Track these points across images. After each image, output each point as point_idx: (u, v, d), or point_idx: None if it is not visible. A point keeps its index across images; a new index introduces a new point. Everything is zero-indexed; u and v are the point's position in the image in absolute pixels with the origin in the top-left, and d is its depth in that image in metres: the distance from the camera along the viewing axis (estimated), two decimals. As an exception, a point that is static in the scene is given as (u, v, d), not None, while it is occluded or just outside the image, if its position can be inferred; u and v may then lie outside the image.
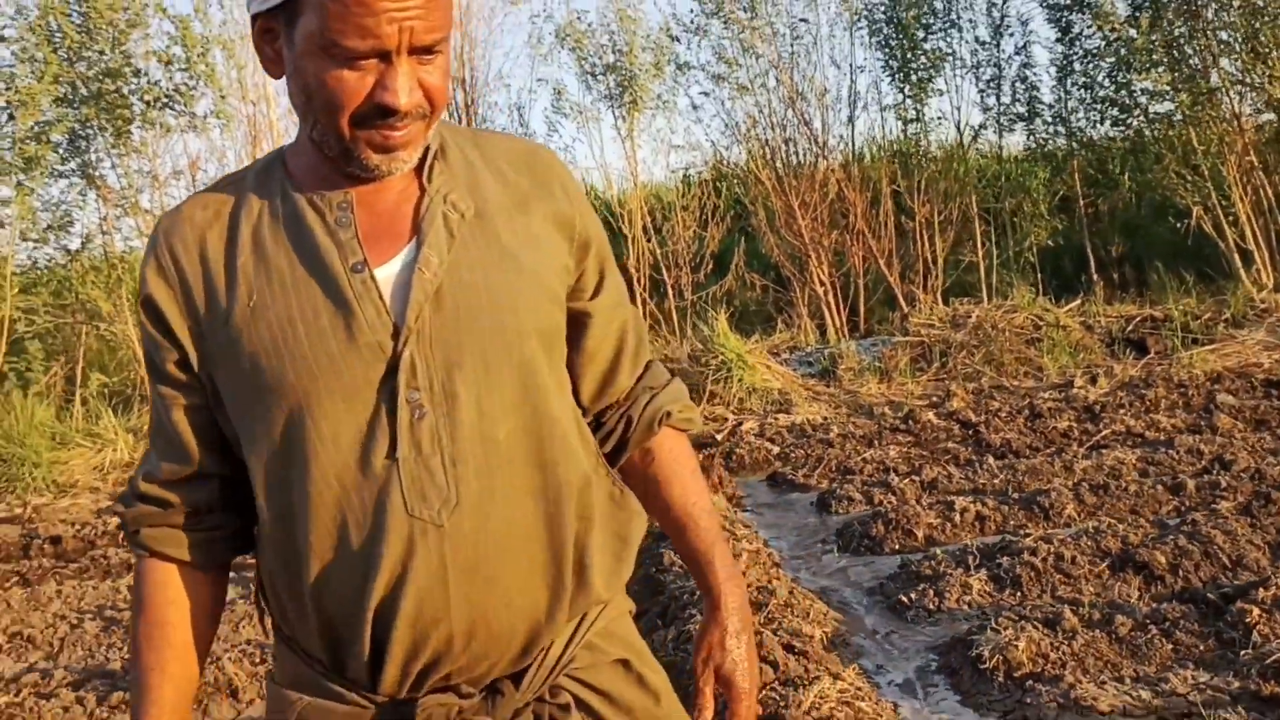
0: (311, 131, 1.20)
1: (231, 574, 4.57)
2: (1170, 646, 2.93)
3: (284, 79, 1.21)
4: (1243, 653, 2.82)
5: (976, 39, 10.92)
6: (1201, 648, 2.92)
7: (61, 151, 9.31)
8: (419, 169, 1.25)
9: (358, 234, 1.21)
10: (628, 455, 1.40)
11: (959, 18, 10.85)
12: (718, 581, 1.37)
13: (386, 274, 1.21)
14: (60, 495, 7.61)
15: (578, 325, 1.34)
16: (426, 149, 1.24)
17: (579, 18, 10.82)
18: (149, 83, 9.33)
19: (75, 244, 9.85)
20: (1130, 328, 8.59)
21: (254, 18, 1.20)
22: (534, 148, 1.37)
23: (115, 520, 6.36)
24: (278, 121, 10.25)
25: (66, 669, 3.82)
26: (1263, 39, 9.48)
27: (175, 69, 9.31)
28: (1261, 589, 3.03)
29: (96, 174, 9.61)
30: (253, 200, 1.26)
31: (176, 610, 1.30)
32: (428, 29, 1.13)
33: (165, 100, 9.29)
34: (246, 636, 4.12)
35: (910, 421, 6.32)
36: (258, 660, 3.65)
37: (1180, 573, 3.49)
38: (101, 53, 9.24)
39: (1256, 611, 2.94)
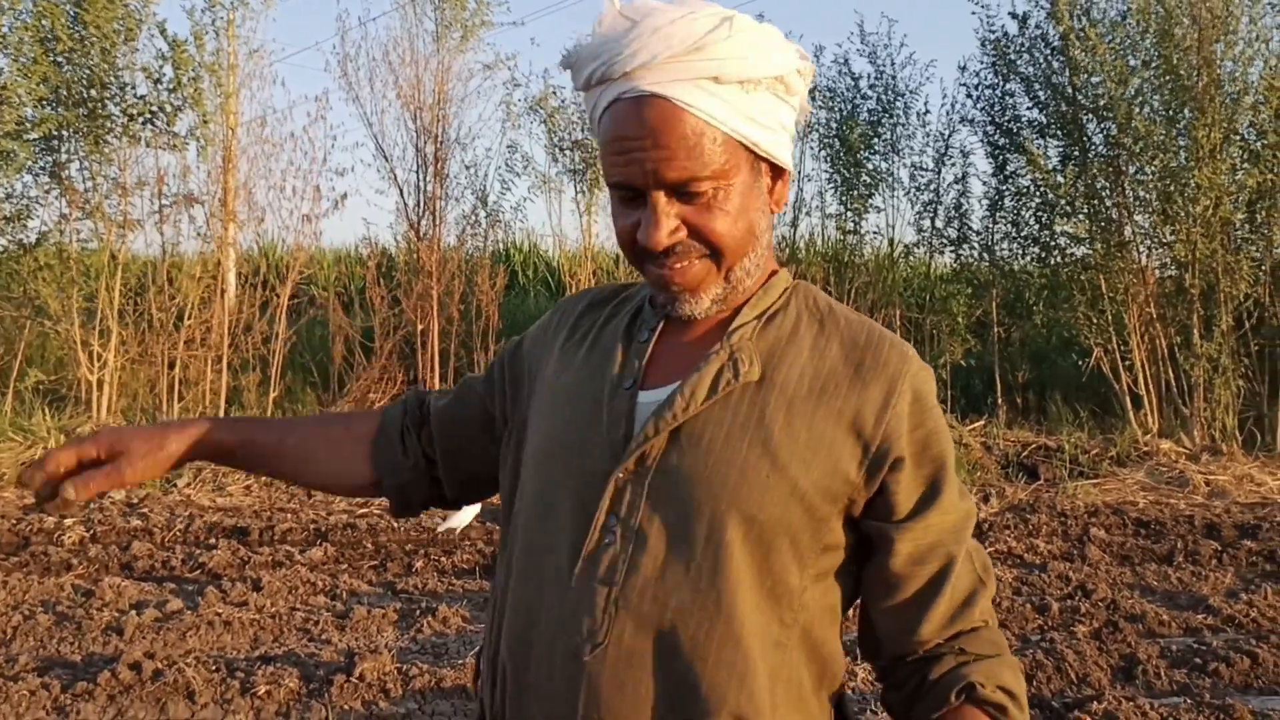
0: None
1: (171, 584, 4.96)
2: (1015, 743, 3.46)
3: None
4: (1072, 754, 3.37)
5: (916, 165, 11.72)
6: (1040, 747, 3.46)
7: (35, 149, 9.53)
8: (729, 320, 1.25)
9: (646, 356, 1.26)
10: None
11: (900, 143, 11.65)
12: None
13: (648, 400, 1.22)
14: (-16, 486, 7.74)
15: (876, 547, 1.22)
16: (752, 299, 1.25)
17: (554, 92, 11.41)
18: (135, 96, 9.64)
19: (31, 238, 10.03)
20: (1026, 453, 9.30)
21: None
22: (882, 341, 1.24)
23: (52, 521, 6.58)
24: (250, 148, 10.61)
25: (29, 656, 4.11)
26: (1173, 201, 10.36)
27: (163, 88, 9.63)
28: (1095, 703, 3.59)
29: (65, 175, 9.84)
30: (628, 304, 1.35)
31: (329, 436, 1.46)
32: (673, 168, 1.13)
33: (149, 116, 9.60)
34: (191, 645, 4.45)
35: (817, 517, 6.86)
36: (212, 668, 3.98)
37: (1034, 683, 4.04)
38: (88, 55, 9.51)
39: (1088, 721, 3.50)
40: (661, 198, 1.15)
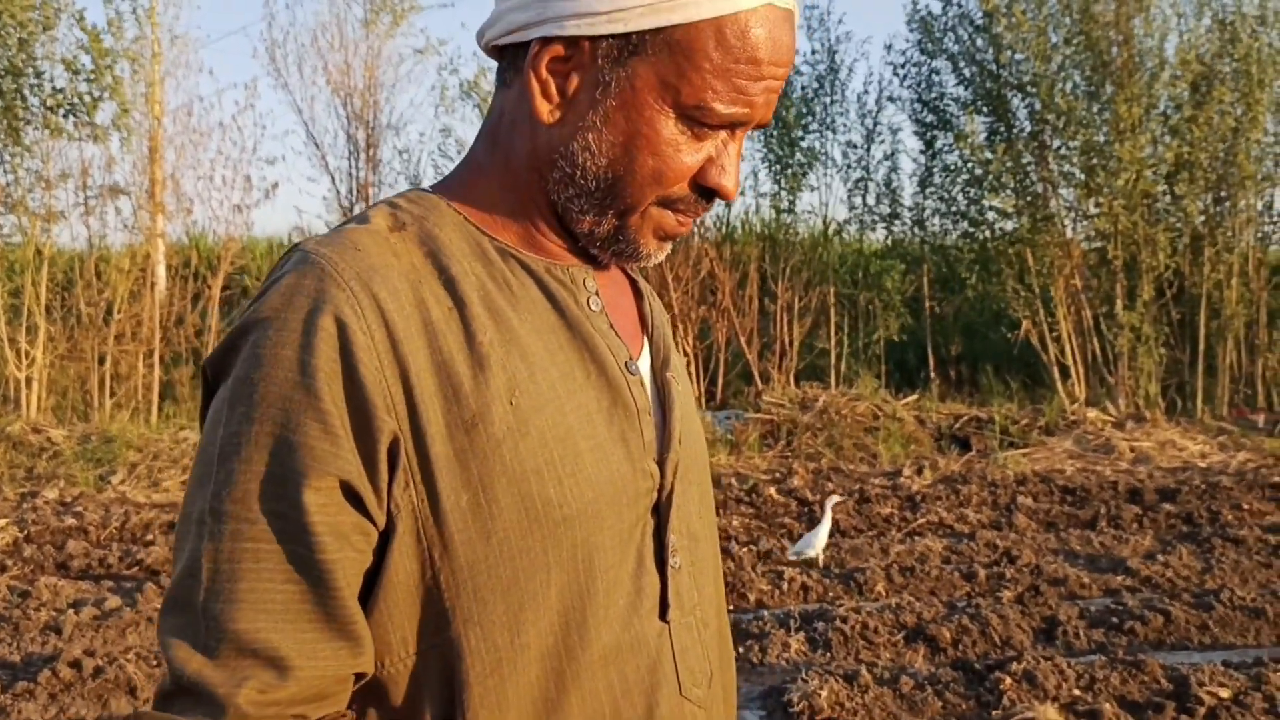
0: (573, 197, 0.93)
1: (109, 582, 4.91)
2: (940, 704, 3.60)
3: (548, 124, 0.92)
4: (994, 712, 3.51)
5: (848, 143, 11.89)
6: (964, 706, 3.60)
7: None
8: None
9: (613, 324, 0.98)
10: None
11: (833, 121, 11.79)
12: None
13: (641, 371, 0.99)
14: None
15: None
16: None
17: (486, 74, 11.38)
18: (53, 88, 9.47)
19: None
20: (958, 425, 9.51)
21: (545, 40, 0.90)
22: None
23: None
24: (177, 137, 10.47)
25: (-36, 658, 4.09)
26: (1096, 175, 10.63)
27: (80, 78, 9.46)
28: (1015, 663, 3.74)
29: (-16, 168, 9.65)
30: (456, 254, 0.92)
31: None
32: (774, 105, 0.93)
33: (69, 107, 9.43)
34: (131, 642, 4.44)
35: (754, 494, 6.98)
36: (154, 663, 3.99)
37: (960, 646, 4.19)
38: (5, 46, 9.31)
39: (1009, 680, 3.64)
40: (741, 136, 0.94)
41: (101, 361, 9.76)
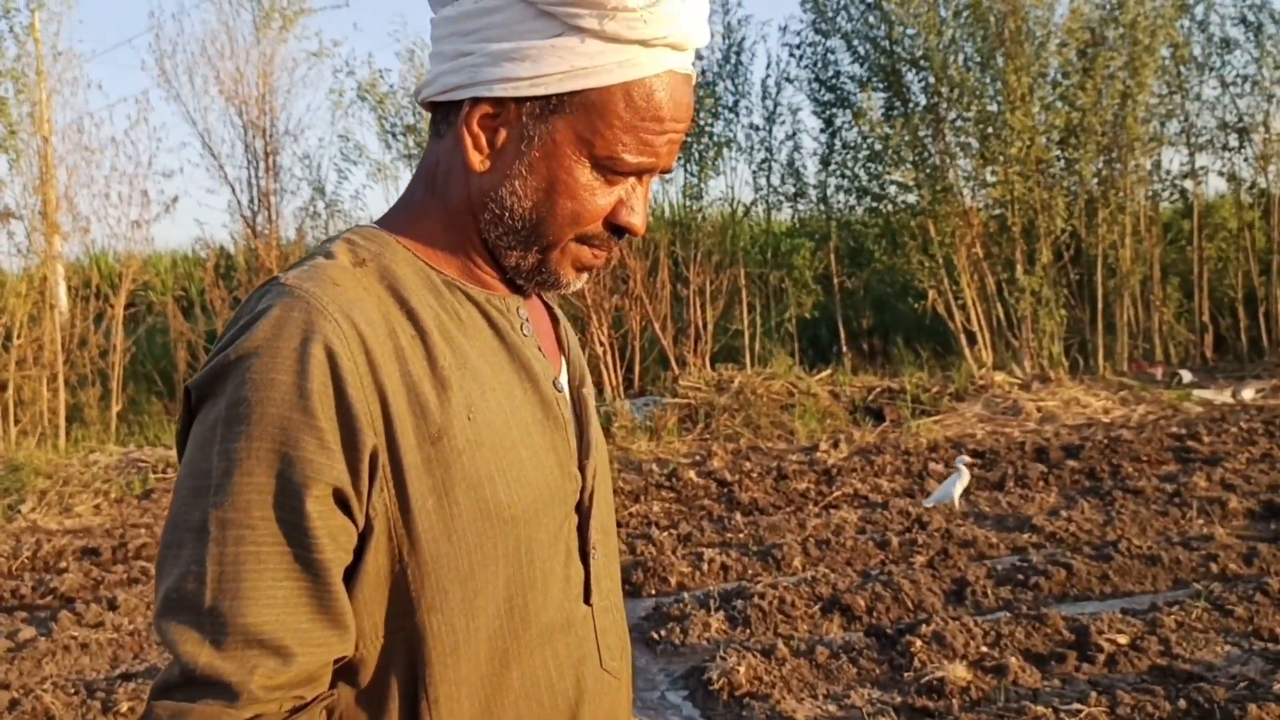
0: (502, 235, 1.06)
1: (23, 613, 4.83)
2: (855, 670, 3.72)
3: (479, 172, 1.05)
4: (906, 674, 3.64)
5: (751, 125, 12.00)
6: (878, 671, 3.72)
7: None
8: None
9: (540, 347, 1.13)
10: None
11: (736, 104, 11.90)
12: None
13: (561, 386, 1.14)
14: None
15: None
16: None
17: (381, 76, 11.29)
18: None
19: None
20: (871, 397, 9.70)
21: (476, 100, 1.03)
22: None
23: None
24: (68, 156, 10.20)
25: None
26: (991, 144, 10.89)
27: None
28: (925, 625, 3.87)
29: None
30: (412, 287, 1.04)
31: None
32: (676, 152, 1.07)
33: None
34: (48, 672, 4.37)
35: (674, 479, 7.07)
36: (71, 692, 3.94)
37: (874, 613, 4.32)
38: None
39: (919, 643, 3.77)
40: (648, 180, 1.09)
41: (3, 388, 9.50)
